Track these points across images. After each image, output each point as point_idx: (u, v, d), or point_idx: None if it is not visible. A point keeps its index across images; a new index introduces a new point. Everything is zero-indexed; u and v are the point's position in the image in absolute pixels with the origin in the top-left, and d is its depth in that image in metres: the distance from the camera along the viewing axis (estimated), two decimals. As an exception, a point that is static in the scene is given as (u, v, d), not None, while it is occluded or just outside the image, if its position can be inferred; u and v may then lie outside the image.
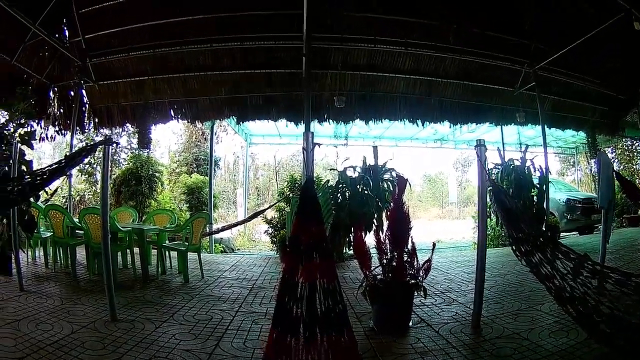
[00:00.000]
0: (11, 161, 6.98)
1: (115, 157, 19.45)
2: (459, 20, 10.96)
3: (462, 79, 13.08)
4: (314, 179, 4.38)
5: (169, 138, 46.08)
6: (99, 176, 18.86)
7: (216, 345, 5.03)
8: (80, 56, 11.82)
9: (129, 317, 5.96)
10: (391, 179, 10.32)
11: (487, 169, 6.57)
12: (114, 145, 12.81)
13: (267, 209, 11.63)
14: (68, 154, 8.07)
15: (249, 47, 11.84)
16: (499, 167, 12.46)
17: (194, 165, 23.59)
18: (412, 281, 5.62)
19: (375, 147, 10.94)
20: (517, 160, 12.35)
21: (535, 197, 12.34)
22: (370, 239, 6.23)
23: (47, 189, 7.47)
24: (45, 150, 30.98)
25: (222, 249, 16.47)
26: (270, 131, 19.82)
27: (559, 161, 29.44)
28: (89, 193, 19.21)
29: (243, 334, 5.48)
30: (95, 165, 18.96)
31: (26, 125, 8.82)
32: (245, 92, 12.95)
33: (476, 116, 14.26)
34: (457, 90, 13.39)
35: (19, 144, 7.70)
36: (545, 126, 13.93)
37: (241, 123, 16.19)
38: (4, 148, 7.70)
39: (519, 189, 11.98)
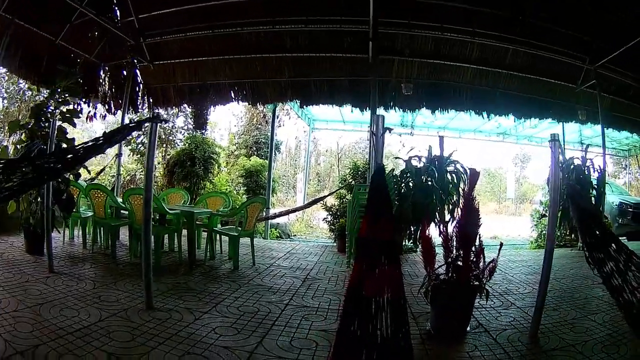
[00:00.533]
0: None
1: (171, 138, 19.28)
2: (525, 12, 10.32)
3: (526, 72, 12.41)
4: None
5: (229, 120, 46.04)
6: None
7: (259, 343, 4.45)
8: (134, 36, 11.53)
9: (167, 305, 5.45)
10: (455, 171, 9.67)
11: (561, 165, 5.99)
12: (163, 123, 12.58)
13: (328, 196, 11.65)
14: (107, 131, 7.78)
15: (313, 29, 11.32)
16: (561, 165, 11.74)
17: (254, 148, 23.39)
18: (476, 283, 5.11)
19: (441, 137, 10.40)
20: (578, 159, 11.69)
21: (593, 199, 11.57)
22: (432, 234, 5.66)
23: (90, 168, 7.02)
24: (97, 129, 32.03)
25: (278, 235, 15.75)
26: (334, 117, 19.43)
27: (611, 163, 28.05)
28: (141, 173, 18.77)
29: (290, 331, 4.88)
30: None
31: (70, 103, 8.44)
32: (309, 75, 12.47)
33: (539, 111, 13.56)
34: (522, 83, 12.71)
35: (59, 122, 7.54)
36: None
37: (304, 107, 15.84)
38: (42, 125, 7.49)
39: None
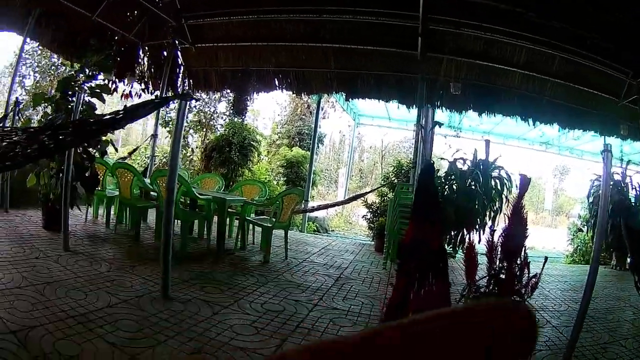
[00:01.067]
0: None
1: (211, 123, 19.21)
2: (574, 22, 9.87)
3: (571, 81, 11.83)
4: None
5: (273, 109, 46.08)
6: (190, 140, 19.07)
7: (279, 347, 4.04)
8: (175, 17, 11.27)
9: (185, 295, 5.09)
10: (499, 177, 9.27)
11: (612, 178, 5.67)
12: (193, 101, 13.17)
13: (369, 192, 11.52)
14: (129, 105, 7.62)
15: (361, 20, 10.84)
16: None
17: (297, 139, 23.06)
18: (517, 298, 4.63)
19: (487, 141, 10.24)
20: (617, 174, 11.22)
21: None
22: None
23: (126, 147, 6.79)
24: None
25: (315, 229, 15.55)
26: (380, 113, 18.88)
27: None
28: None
29: (315, 335, 4.44)
30: (187, 129, 18.74)
31: (99, 78, 8.23)
32: (356, 68, 12.09)
33: (582, 123, 12.96)
34: (568, 92, 12.10)
35: (88, 97, 7.35)
36: (641, 143, 12.76)
37: (350, 100, 15.36)
38: (69, 99, 7.25)
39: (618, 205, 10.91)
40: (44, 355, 3.24)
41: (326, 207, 13.41)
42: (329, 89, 12.88)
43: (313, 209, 13.03)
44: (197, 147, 18.19)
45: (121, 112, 4.48)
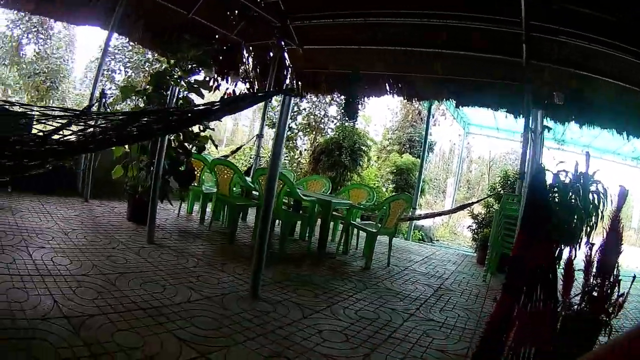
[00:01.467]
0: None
1: (321, 126, 19.29)
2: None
3: None
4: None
5: (385, 115, 46.32)
6: (299, 142, 19.04)
7: (366, 356, 3.62)
8: (280, 18, 11.23)
9: (275, 297, 4.78)
10: (596, 191, 8.75)
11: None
12: (297, 98, 13.76)
13: (475, 202, 11.22)
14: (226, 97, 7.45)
15: (465, 26, 10.43)
16: None
17: (407, 146, 22.88)
18: (604, 317, 4.33)
19: (587, 154, 9.64)
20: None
21: None
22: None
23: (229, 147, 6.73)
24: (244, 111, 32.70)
25: (420, 237, 15.36)
26: (488, 122, 18.66)
27: None
28: (286, 158, 18.88)
29: (406, 347, 4.00)
30: (296, 131, 18.86)
31: (198, 74, 8.41)
32: (465, 75, 11.78)
33: None
34: None
35: (184, 91, 7.51)
36: None
37: (459, 108, 15.26)
38: (163, 93, 7.25)
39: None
40: (99, 344, 2.97)
41: (433, 215, 13.16)
42: (439, 95, 12.68)
43: (420, 217, 12.75)
44: (305, 150, 18.29)
45: (217, 104, 4.30)
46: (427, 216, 12.82)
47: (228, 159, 9.74)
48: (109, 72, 22.36)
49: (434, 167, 29.98)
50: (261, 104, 13.91)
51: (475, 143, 32.47)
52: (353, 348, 3.70)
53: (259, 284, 4.67)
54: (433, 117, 20.92)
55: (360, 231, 8.29)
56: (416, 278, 7.00)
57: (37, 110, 3.33)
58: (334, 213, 8.04)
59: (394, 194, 14.79)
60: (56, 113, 3.34)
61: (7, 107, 5.77)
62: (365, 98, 13.17)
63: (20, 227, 5.49)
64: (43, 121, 3.39)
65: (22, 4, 8.72)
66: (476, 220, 11.75)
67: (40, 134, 3.37)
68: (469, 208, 11.68)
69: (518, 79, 10.68)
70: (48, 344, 2.85)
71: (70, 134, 3.40)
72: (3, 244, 4.61)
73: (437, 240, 17.02)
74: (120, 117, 3.98)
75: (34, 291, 3.61)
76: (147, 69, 20.81)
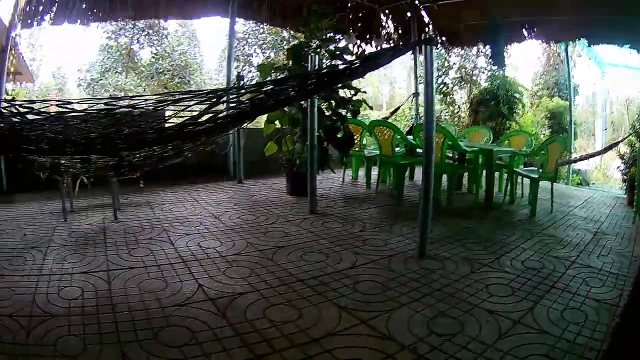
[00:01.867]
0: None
1: (474, 78, 19.02)
2: None
3: None
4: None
5: (530, 60, 45.19)
6: (457, 97, 18.90)
7: (529, 310, 3.47)
8: None
9: (444, 253, 4.78)
10: None
11: None
12: (437, 46, 13.15)
13: (620, 141, 10.86)
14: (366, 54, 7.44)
15: None
16: None
17: (555, 89, 22.31)
18: None
19: None
20: None
21: None
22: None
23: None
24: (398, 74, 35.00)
25: (579, 181, 15.38)
26: (622, 60, 17.31)
27: None
28: (446, 114, 18.94)
29: (567, 297, 3.81)
30: (451, 86, 18.74)
31: (338, 42, 8.29)
32: (591, 13, 10.97)
33: None
34: None
35: (327, 60, 7.58)
36: None
37: (592, 47, 14.44)
38: (303, 65, 7.23)
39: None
40: (247, 322, 3.05)
41: (586, 157, 12.77)
42: (571, 35, 12.22)
43: (575, 160, 12.55)
44: (463, 103, 18.22)
45: (356, 62, 4.24)
46: (581, 158, 12.55)
47: (388, 120, 9.79)
48: (245, 57, 23.10)
49: (581, 110, 28.83)
50: (412, 64, 14.15)
51: (611, 83, 31.17)
52: (517, 302, 3.61)
53: (426, 242, 4.65)
54: (571, 59, 19.72)
55: (525, 179, 8.18)
56: (577, 223, 6.77)
57: (174, 97, 3.28)
58: (497, 162, 7.95)
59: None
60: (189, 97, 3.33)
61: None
62: (508, 45, 12.77)
63: (161, 219, 5.74)
64: (174, 111, 3.44)
65: (119, 14, 8.81)
66: (623, 161, 11.20)
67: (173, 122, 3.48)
68: (615, 147, 11.15)
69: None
70: (182, 328, 2.90)
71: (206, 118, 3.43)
72: (138, 239, 4.83)
73: (593, 183, 16.72)
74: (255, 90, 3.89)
75: (174, 279, 3.74)
76: (284, 47, 21.10)
